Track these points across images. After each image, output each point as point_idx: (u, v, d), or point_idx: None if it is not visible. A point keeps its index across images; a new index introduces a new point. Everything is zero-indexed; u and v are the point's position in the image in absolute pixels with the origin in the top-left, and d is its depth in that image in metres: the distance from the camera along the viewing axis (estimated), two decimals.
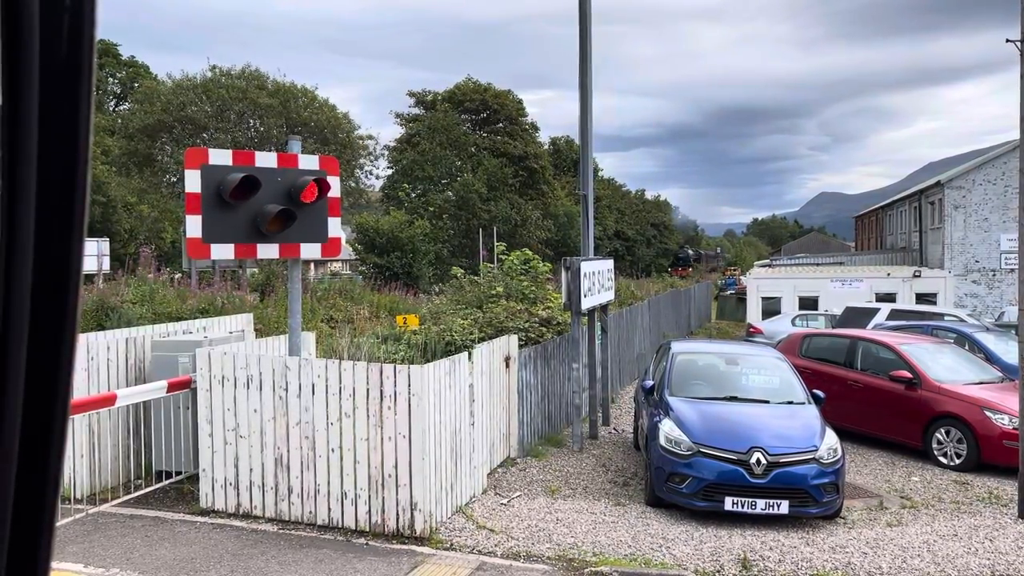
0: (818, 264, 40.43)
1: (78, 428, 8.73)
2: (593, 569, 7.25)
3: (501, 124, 50.68)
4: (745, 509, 8.57)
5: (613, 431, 13.35)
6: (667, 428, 9.21)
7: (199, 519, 8.21)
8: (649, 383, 10.84)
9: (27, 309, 0.73)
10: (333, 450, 7.96)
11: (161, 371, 9.17)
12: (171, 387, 8.49)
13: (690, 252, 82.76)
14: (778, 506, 8.54)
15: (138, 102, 41.59)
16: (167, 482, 9.00)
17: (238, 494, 8.29)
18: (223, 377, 8.28)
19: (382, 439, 7.80)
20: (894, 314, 20.18)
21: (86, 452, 8.80)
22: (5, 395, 0.73)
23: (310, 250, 8.53)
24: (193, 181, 7.62)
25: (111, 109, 51.33)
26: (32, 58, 0.72)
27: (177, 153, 37.12)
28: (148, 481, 9.04)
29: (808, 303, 26.72)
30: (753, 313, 28.01)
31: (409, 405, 7.72)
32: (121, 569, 6.88)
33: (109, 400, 7.85)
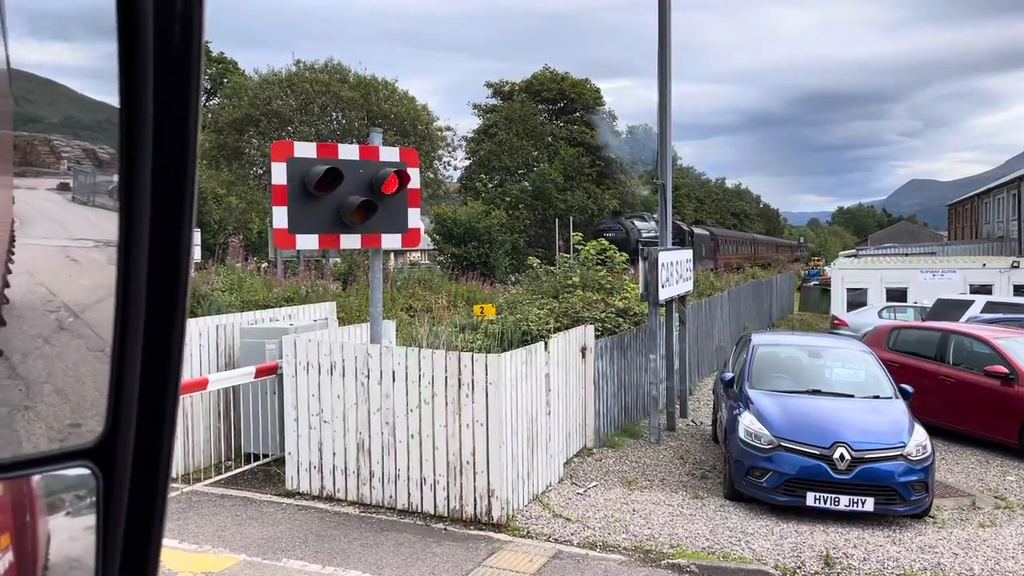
0: (907, 254, 38.91)
1: None
2: (670, 561, 7.21)
3: (578, 113, 50.43)
4: (828, 505, 8.37)
5: (691, 423, 13.20)
6: (747, 421, 9.06)
7: (285, 500, 8.50)
8: (728, 375, 10.67)
9: (143, 299, 0.80)
10: (412, 436, 8.12)
11: (249, 357, 9.50)
12: (259, 372, 8.80)
13: (635, 224, 37.18)
14: (863, 503, 8.31)
15: (227, 97, 43.00)
16: (255, 464, 9.34)
17: (322, 477, 8.54)
18: (308, 364, 8.53)
19: (460, 426, 7.91)
20: (990, 307, 19.27)
21: (180, 433, 9.21)
22: (123, 378, 0.80)
23: (391, 240, 8.70)
24: (280, 173, 7.85)
25: (202, 105, 53.13)
26: (147, 63, 0.77)
27: (264, 146, 38.24)
28: (237, 463, 9.40)
29: (896, 295, 25.73)
30: (838, 305, 27.14)
31: (486, 393, 7.81)
32: (213, 546, 7.19)
33: (202, 384, 8.19)
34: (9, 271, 1.06)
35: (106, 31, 0.95)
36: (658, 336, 11.89)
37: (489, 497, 7.86)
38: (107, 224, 1.06)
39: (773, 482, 8.58)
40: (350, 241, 8.43)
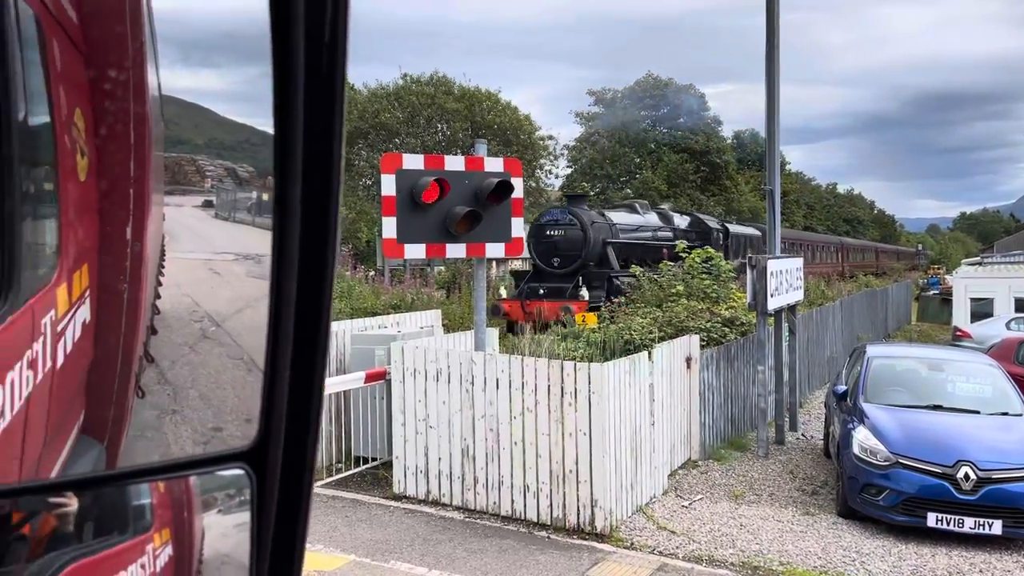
0: None
1: None
2: None
3: (682, 119, 49.74)
4: (951, 527, 7.93)
5: (801, 437, 12.76)
6: (862, 436, 8.70)
7: (392, 504, 8.70)
8: (841, 388, 10.28)
9: (292, 311, 0.85)
10: (516, 443, 8.17)
11: (359, 363, 9.78)
12: (368, 378, 9.05)
13: (605, 218, 22.17)
14: (990, 526, 7.84)
15: None
16: (364, 467, 9.61)
17: (428, 482, 8.70)
18: (415, 370, 8.72)
19: (563, 435, 7.91)
20: None
21: None
22: (275, 385, 0.85)
23: (494, 249, 8.81)
24: (389, 185, 8.08)
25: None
26: (297, 91, 0.82)
27: (372, 158, 39.37)
28: (347, 465, 9.68)
29: None
30: (960, 315, 25.70)
31: (589, 403, 7.78)
32: (325, 546, 7.43)
33: None
34: (160, 283, 1.14)
35: (247, 57, 1.01)
36: (767, 347, 11.56)
37: (592, 507, 7.82)
38: (247, 238, 1.12)
39: (891, 500, 8.20)
40: (456, 251, 8.58)
